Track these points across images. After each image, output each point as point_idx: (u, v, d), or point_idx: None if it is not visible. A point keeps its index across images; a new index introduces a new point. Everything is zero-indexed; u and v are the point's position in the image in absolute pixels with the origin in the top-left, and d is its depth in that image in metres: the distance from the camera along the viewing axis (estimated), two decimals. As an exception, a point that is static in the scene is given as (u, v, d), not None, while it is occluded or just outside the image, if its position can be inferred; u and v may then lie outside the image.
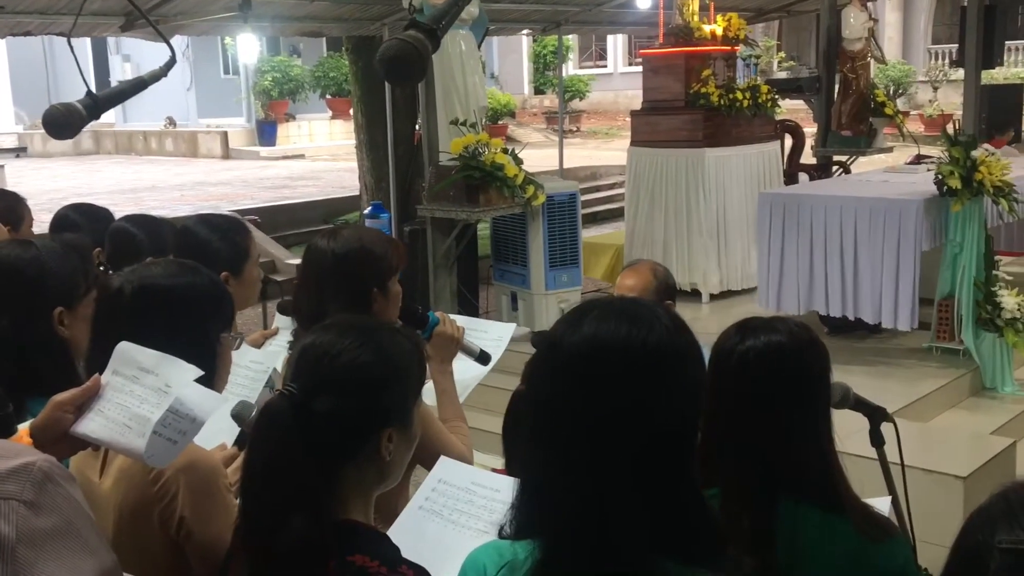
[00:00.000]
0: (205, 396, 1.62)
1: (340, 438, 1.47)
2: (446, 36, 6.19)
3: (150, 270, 1.85)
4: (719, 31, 7.73)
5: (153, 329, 1.63)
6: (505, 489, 2.01)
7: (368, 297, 2.40)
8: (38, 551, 1.03)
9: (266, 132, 22.61)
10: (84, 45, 24.93)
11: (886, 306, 5.72)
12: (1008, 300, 5.73)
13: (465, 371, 2.77)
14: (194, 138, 23.17)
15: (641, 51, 9.00)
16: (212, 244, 2.65)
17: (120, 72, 24.38)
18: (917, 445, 4.53)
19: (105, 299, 1.82)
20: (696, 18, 7.70)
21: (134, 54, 23.15)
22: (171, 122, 23.92)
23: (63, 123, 3.35)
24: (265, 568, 1.41)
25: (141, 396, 1.60)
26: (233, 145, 22.62)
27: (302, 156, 21.88)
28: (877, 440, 2.00)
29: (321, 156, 21.76)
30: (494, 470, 2.90)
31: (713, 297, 7.32)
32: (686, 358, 1.28)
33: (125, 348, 1.66)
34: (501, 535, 1.32)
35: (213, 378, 1.77)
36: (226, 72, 24.03)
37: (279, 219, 12.36)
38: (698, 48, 7.58)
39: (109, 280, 1.85)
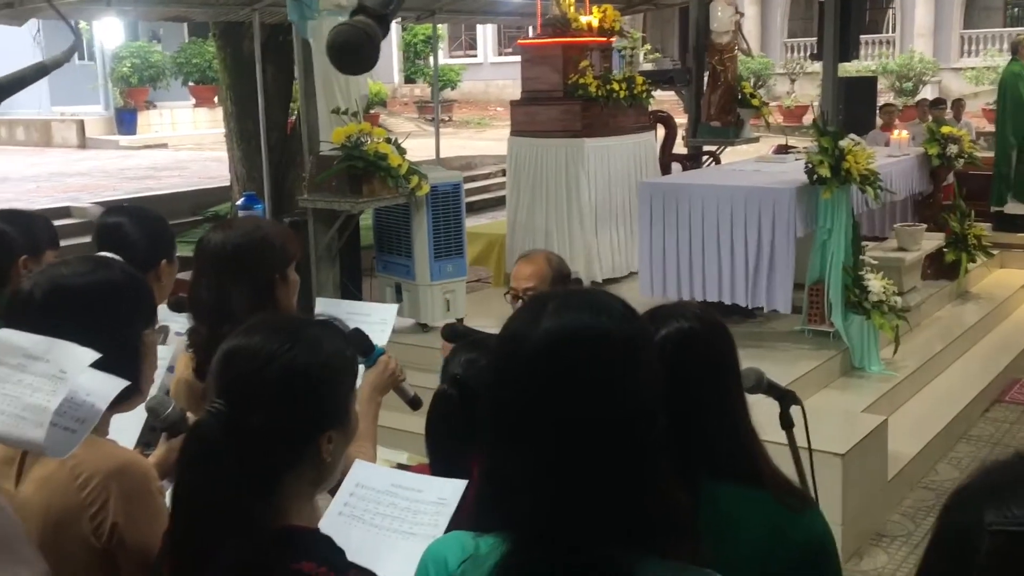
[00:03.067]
0: (103, 381, 1.52)
1: (277, 450, 1.40)
2: (324, 23, 6.10)
3: (59, 269, 1.73)
4: (595, 23, 7.83)
5: (69, 332, 1.53)
6: (428, 489, 1.99)
7: (271, 285, 2.37)
8: None
9: (125, 120, 21.68)
10: (-78, 27, 23.44)
11: (763, 290, 5.92)
12: (874, 284, 6.01)
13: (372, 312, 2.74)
14: (47, 127, 22.03)
15: (519, 41, 9.03)
16: (134, 239, 2.55)
17: (-37, 56, 23.02)
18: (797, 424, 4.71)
19: (15, 303, 1.70)
20: (573, 9, 7.78)
21: (-22, 37, 21.86)
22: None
23: None
24: None
25: (32, 384, 1.49)
26: (90, 134, 21.60)
27: (165, 145, 21.08)
28: (787, 423, 2.06)
29: (185, 145, 21.03)
30: (399, 465, 2.88)
31: (595, 285, 7.43)
32: (645, 344, 1.28)
33: (5, 336, 1.55)
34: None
35: (139, 377, 1.68)
36: (81, 58, 22.93)
37: (145, 211, 11.87)
38: (575, 39, 7.65)
39: (20, 283, 1.73)
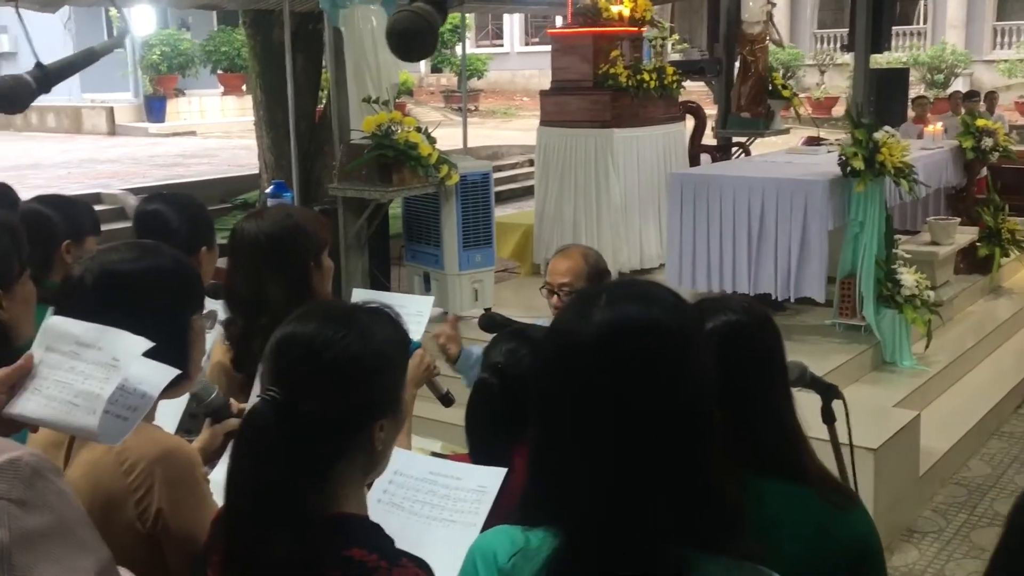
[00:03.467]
0: (155, 370, 1.52)
1: (330, 438, 1.40)
2: (356, 12, 6.11)
3: (109, 255, 1.74)
4: (626, 12, 7.79)
5: (119, 318, 1.53)
6: (467, 477, 1.99)
7: (307, 273, 2.37)
8: (34, 554, 0.95)
9: (155, 108, 21.81)
10: (-45, 14, 23.66)
11: (794, 283, 5.88)
12: (907, 278, 5.95)
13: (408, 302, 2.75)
14: (78, 114, 22.20)
15: (550, 31, 9.01)
16: (175, 225, 2.56)
17: (-5, 43, 23.22)
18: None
19: (65, 288, 1.71)
20: (604, -1, 7.74)
21: (11, 25, 22.04)
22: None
23: (11, 97, 3.15)
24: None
25: (85, 372, 1.49)
26: (120, 121, 21.75)
27: (193, 133, 21.20)
28: (828, 417, 2.05)
29: (213, 133, 21.13)
30: (433, 454, 2.88)
31: (623, 275, 7.40)
32: (698, 335, 1.27)
33: (56, 322, 1.56)
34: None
35: (188, 363, 1.68)
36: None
37: (174, 198, 11.95)
38: (606, 29, 7.62)
39: (70, 269, 1.74)
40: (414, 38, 2.75)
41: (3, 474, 0.97)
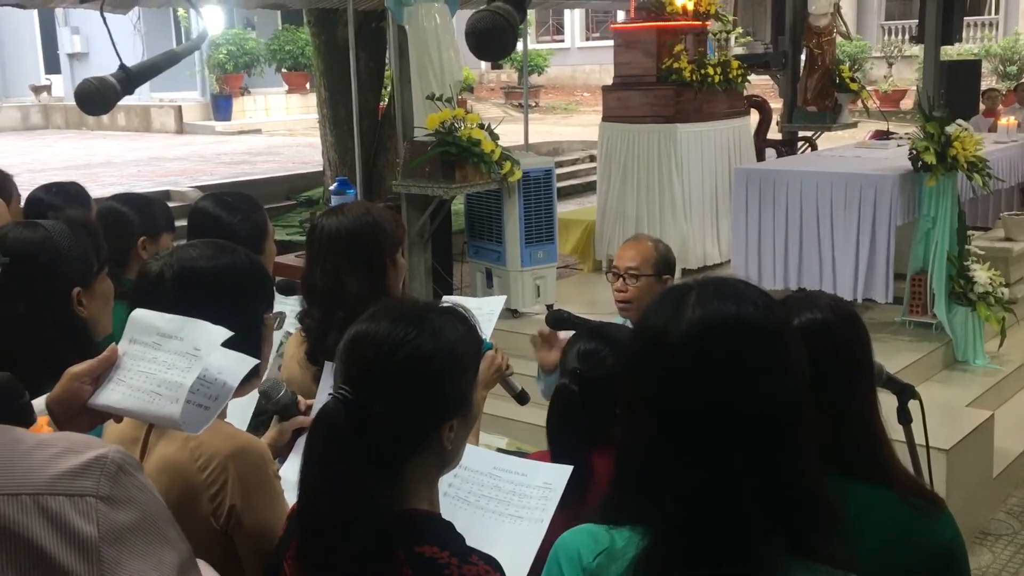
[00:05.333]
0: (235, 360, 1.55)
1: (400, 438, 1.40)
2: (420, 9, 6.14)
3: (188, 252, 1.77)
4: (690, 6, 7.71)
5: (197, 313, 1.56)
6: (531, 473, 1.98)
7: (384, 270, 2.39)
8: (121, 548, 0.97)
9: (221, 106, 22.22)
10: (32, 17, 24.29)
11: (861, 280, 5.77)
12: (980, 274, 5.81)
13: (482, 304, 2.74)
14: (147, 113, 22.70)
15: (613, 25, 8.96)
16: (231, 224, 2.59)
17: (69, 45, 23.80)
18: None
19: (144, 284, 1.75)
20: (667, -7, 7.67)
21: (83, 26, 22.58)
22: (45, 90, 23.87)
23: (97, 98, 3.21)
24: (329, 571, 1.36)
25: (168, 362, 1.52)
26: (187, 120, 22.19)
27: (258, 131, 21.54)
28: (905, 418, 2.00)
29: (278, 131, 21.44)
30: (499, 450, 2.88)
31: (687, 272, 7.33)
32: (790, 334, 1.25)
33: (140, 315, 1.59)
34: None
35: (259, 360, 1.70)
36: (176, 46, 23.50)
37: (240, 196, 12.15)
38: (670, 23, 7.55)
39: (148, 265, 1.78)
40: (494, 37, 2.74)
41: (89, 471, 0.99)
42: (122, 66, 3.30)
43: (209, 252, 1.78)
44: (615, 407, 2.08)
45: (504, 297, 3.21)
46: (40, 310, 1.93)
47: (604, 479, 1.94)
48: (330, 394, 1.43)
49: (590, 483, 1.91)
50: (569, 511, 1.80)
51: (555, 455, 2.10)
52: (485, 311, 2.90)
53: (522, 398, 2.56)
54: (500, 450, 2.89)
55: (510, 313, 6.41)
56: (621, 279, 3.28)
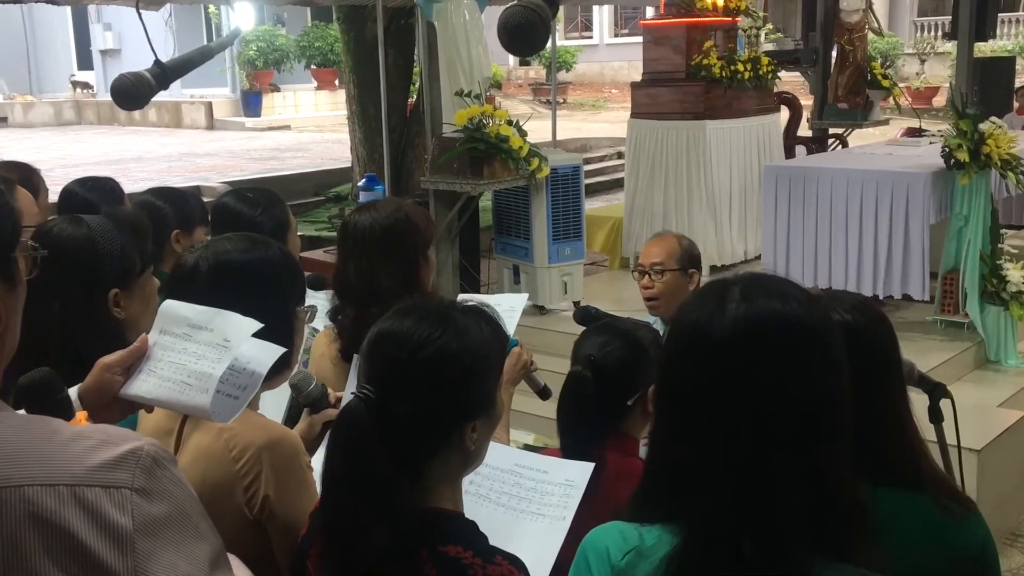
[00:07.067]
0: (262, 349, 1.56)
1: (423, 437, 1.40)
2: (449, 6, 6.14)
3: (223, 245, 1.79)
4: (720, 2, 7.68)
5: (231, 306, 1.57)
6: (553, 470, 1.98)
7: (416, 266, 2.41)
8: (155, 540, 0.98)
9: (251, 103, 22.38)
10: (64, 13, 24.54)
11: (895, 278, 5.73)
12: (1014, 273, 5.74)
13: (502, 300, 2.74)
14: (178, 109, 22.90)
15: (642, 21, 8.93)
16: (254, 219, 2.61)
17: (101, 41, 24.05)
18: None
19: (180, 277, 1.77)
20: (697, -11, 7.63)
21: (115, 23, 22.79)
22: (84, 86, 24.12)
23: (133, 94, 3.25)
24: (352, 569, 1.36)
25: (198, 353, 1.54)
26: (218, 116, 22.37)
27: (288, 127, 21.67)
28: (936, 417, 1.98)
29: (307, 127, 21.56)
30: (526, 446, 2.88)
31: (715, 269, 7.30)
32: (832, 332, 1.24)
33: (171, 306, 1.61)
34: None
35: (291, 352, 1.72)
36: (210, 42, 23.68)
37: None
38: (699, 19, 7.52)
39: (183, 258, 1.80)
40: (526, 32, 2.75)
41: (125, 464, 1.00)
42: (157, 61, 3.33)
43: (243, 245, 1.80)
44: (626, 398, 2.09)
45: (526, 295, 3.22)
46: (73, 309, 1.94)
47: (614, 471, 1.94)
48: (353, 393, 1.43)
49: (601, 474, 1.91)
50: (581, 502, 1.80)
51: (565, 446, 2.10)
52: (506, 307, 2.91)
53: (545, 393, 2.57)
54: (527, 446, 2.89)
55: (537, 310, 6.42)
56: (647, 275, 3.28)
